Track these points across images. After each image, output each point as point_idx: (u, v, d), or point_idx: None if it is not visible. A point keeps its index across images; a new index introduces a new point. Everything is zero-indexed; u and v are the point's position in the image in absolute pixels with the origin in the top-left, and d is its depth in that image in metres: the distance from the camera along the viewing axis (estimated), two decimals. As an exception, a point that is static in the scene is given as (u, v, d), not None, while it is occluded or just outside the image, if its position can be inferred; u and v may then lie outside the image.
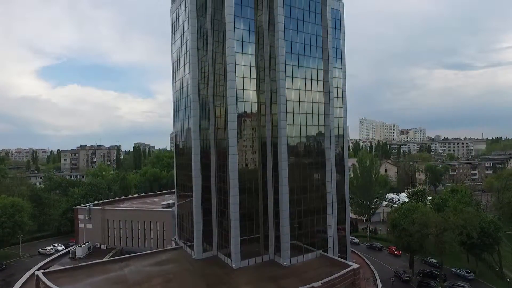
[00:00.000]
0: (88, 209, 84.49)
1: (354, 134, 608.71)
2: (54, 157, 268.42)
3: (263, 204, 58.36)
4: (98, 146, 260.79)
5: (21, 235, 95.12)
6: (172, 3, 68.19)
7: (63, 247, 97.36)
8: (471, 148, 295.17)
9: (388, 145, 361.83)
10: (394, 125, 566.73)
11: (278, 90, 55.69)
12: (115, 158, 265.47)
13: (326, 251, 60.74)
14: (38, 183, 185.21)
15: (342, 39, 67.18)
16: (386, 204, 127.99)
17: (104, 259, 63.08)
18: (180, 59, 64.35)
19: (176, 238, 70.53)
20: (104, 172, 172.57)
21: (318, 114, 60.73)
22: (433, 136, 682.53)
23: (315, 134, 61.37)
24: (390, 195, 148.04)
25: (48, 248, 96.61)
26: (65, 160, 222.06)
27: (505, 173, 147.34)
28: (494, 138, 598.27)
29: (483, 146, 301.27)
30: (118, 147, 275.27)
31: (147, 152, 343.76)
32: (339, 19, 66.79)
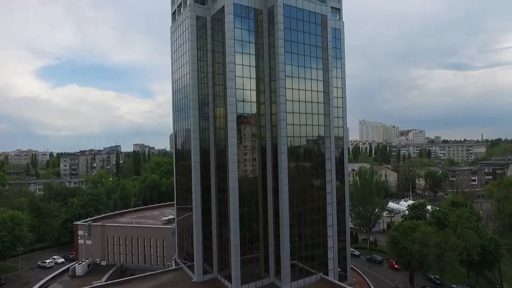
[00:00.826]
0: (88, 225, 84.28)
1: (353, 135, 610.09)
2: (54, 161, 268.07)
3: (263, 227, 58.22)
4: (98, 150, 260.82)
5: (20, 248, 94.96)
6: (172, 23, 67.92)
7: (62, 259, 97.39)
8: (471, 151, 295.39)
9: (388, 148, 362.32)
10: (393, 126, 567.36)
11: (278, 114, 55.37)
12: (114, 163, 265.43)
13: (327, 273, 60.62)
14: (37, 190, 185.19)
15: (343, 58, 66.95)
16: (386, 214, 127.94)
17: (104, 282, 62.84)
18: (180, 79, 64.12)
19: (176, 258, 70.42)
20: (103, 179, 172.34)
21: (318, 139, 60.53)
22: (432, 137, 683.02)
23: (314, 161, 61.15)
24: (391, 204, 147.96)
25: (47, 261, 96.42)
26: (65, 165, 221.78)
27: (505, 182, 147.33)
28: (493, 140, 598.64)
29: (482, 150, 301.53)
30: (117, 152, 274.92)
31: (146, 155, 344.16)
32: (339, 38, 66.56)
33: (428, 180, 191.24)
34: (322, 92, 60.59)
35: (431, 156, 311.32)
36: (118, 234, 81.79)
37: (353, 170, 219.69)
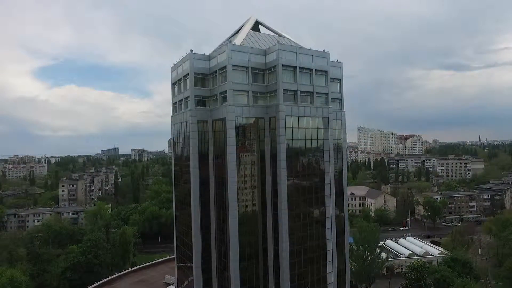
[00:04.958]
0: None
1: (351, 137, 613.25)
2: (52, 182, 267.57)
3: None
4: (96, 171, 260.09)
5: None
6: (173, 113, 67.30)
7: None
8: (469, 168, 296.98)
9: (386, 161, 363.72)
10: (391, 133, 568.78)
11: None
12: (113, 182, 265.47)
13: None
14: (35, 220, 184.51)
15: (344, 147, 66.80)
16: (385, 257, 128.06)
17: None
18: (181, 176, 63.79)
19: None
20: (102, 211, 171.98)
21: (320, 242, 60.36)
22: (430, 141, 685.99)
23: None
24: (389, 242, 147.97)
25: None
26: (63, 190, 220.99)
27: (503, 219, 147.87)
28: (491, 146, 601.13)
29: (481, 166, 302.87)
30: (115, 172, 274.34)
31: (145, 168, 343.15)
32: (340, 128, 66.20)
33: (427, 207, 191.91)
34: (324, 206, 60.15)
35: (429, 171, 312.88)
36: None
37: (352, 194, 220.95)
